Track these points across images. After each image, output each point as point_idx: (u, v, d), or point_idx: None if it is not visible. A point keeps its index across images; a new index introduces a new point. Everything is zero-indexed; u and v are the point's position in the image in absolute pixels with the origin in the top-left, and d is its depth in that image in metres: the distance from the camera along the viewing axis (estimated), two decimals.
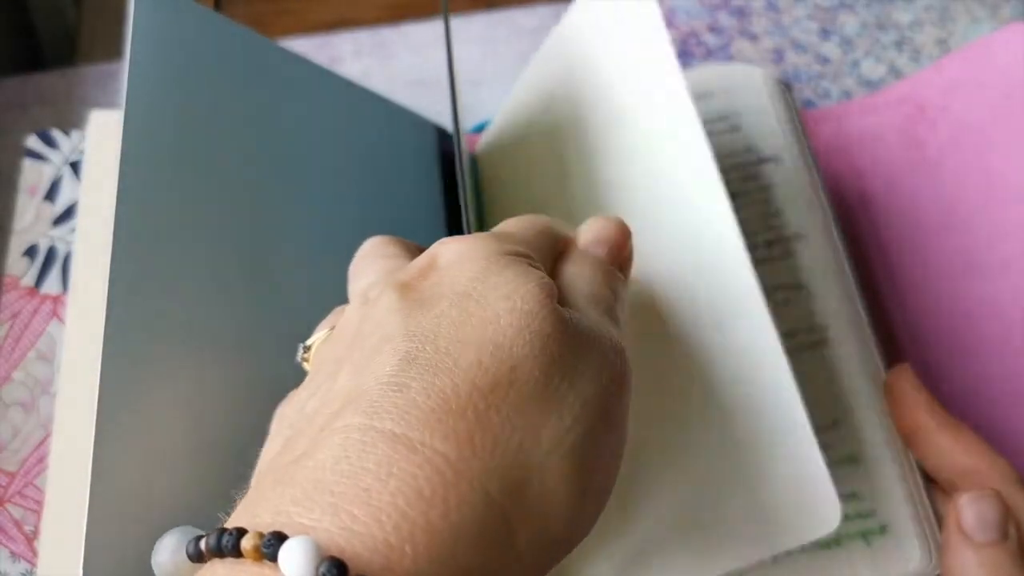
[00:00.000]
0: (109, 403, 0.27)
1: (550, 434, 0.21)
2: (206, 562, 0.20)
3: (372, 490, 0.19)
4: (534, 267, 0.24)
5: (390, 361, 0.21)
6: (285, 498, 0.19)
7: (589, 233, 0.27)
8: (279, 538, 0.18)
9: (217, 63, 0.34)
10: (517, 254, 0.24)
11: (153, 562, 0.22)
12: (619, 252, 0.27)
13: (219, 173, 0.33)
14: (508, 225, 0.27)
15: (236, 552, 0.18)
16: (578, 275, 0.26)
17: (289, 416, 0.25)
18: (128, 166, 0.29)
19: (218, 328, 0.31)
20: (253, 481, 0.24)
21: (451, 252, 0.24)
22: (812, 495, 0.28)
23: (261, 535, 0.18)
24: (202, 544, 0.20)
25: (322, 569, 0.17)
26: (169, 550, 0.22)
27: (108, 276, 0.28)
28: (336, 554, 0.18)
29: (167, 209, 0.31)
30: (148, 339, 0.29)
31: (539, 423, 0.21)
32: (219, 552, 0.19)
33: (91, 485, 0.26)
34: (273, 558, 0.18)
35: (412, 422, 0.20)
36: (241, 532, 0.19)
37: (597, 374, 0.22)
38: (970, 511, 0.29)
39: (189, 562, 0.20)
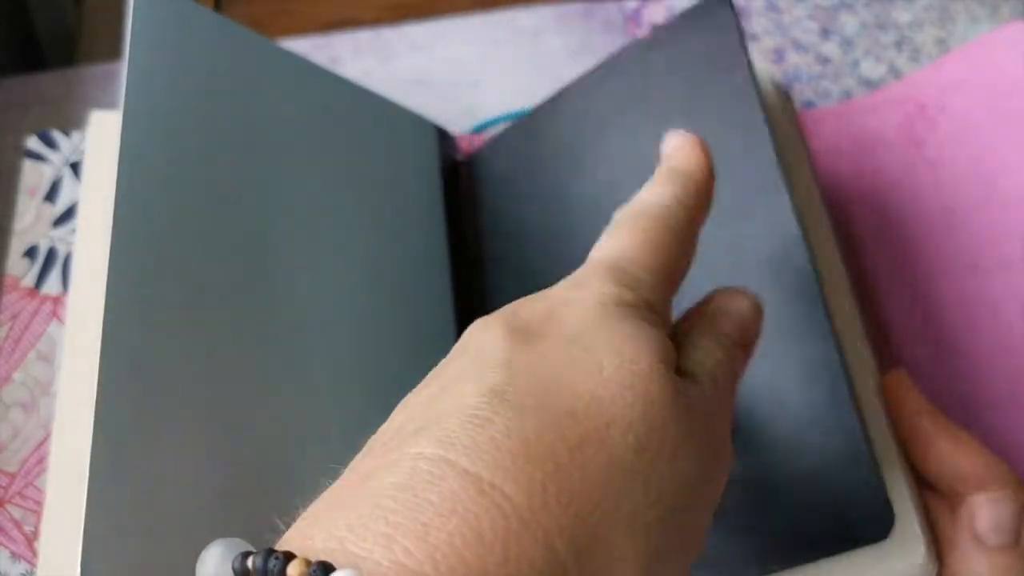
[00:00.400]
0: (108, 404, 0.27)
1: (630, 506, 0.19)
2: None
3: (431, 526, 0.18)
4: (654, 324, 0.22)
5: (478, 390, 0.20)
6: (340, 522, 0.19)
7: (721, 306, 0.25)
8: (326, 569, 0.17)
9: (216, 63, 0.34)
10: (639, 305, 0.23)
11: (198, 572, 0.22)
12: (749, 333, 0.26)
13: (218, 173, 0.33)
14: (642, 247, 0.24)
15: None
16: (701, 347, 0.24)
17: (386, 424, 0.24)
18: (127, 166, 0.29)
19: (217, 328, 0.31)
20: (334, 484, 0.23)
21: (571, 294, 0.23)
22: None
23: (308, 563, 0.18)
24: (249, 562, 0.19)
25: None
26: (215, 561, 0.21)
27: (106, 276, 0.28)
28: None
29: (166, 209, 0.31)
30: (147, 340, 0.29)
31: (621, 490, 0.19)
32: (264, 575, 0.18)
33: (89, 485, 0.26)
34: None
35: (487, 461, 0.19)
36: (289, 557, 0.18)
37: (697, 456, 0.21)
38: (985, 514, 0.29)
39: None
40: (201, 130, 0.33)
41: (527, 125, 0.41)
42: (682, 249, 0.25)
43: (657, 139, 0.29)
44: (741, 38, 0.34)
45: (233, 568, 0.20)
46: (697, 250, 0.26)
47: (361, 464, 0.21)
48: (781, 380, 0.30)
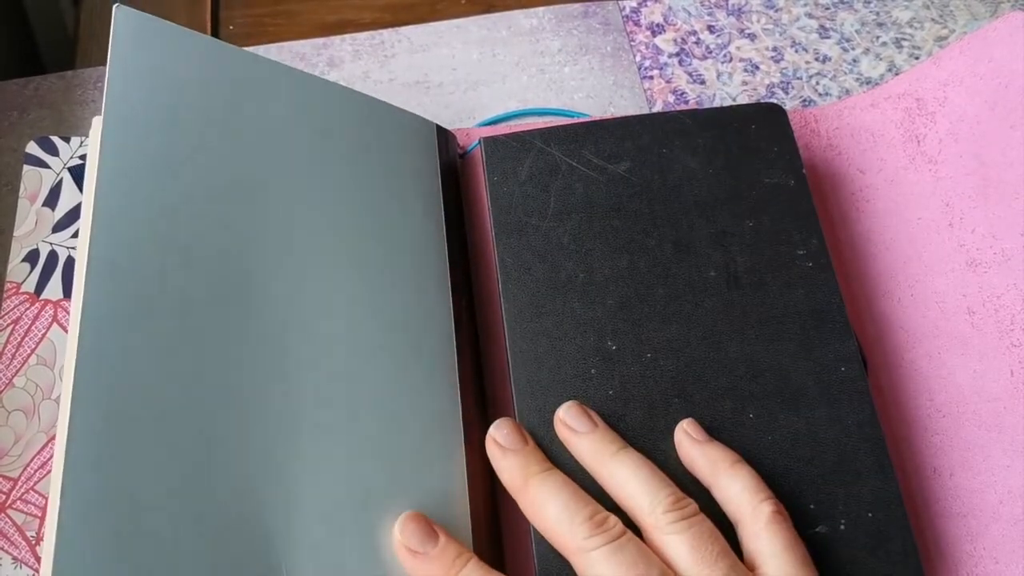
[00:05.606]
0: (82, 410, 0.27)
1: None
2: None
3: None
4: None
5: None
6: None
7: None
8: None
9: (201, 82, 0.34)
10: None
11: None
12: None
13: (214, 186, 0.33)
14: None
15: None
16: None
17: None
18: (105, 180, 0.30)
19: (206, 339, 0.31)
20: None
21: None
22: None
23: None
24: None
25: None
26: None
27: (82, 292, 0.29)
28: None
29: (157, 220, 0.31)
30: (127, 355, 0.29)
31: None
32: None
33: (62, 490, 0.26)
34: None
35: None
36: None
37: None
38: None
39: None
40: (185, 146, 0.33)
41: (551, 135, 0.41)
42: None
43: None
44: None
45: None
46: None
47: None
48: None
